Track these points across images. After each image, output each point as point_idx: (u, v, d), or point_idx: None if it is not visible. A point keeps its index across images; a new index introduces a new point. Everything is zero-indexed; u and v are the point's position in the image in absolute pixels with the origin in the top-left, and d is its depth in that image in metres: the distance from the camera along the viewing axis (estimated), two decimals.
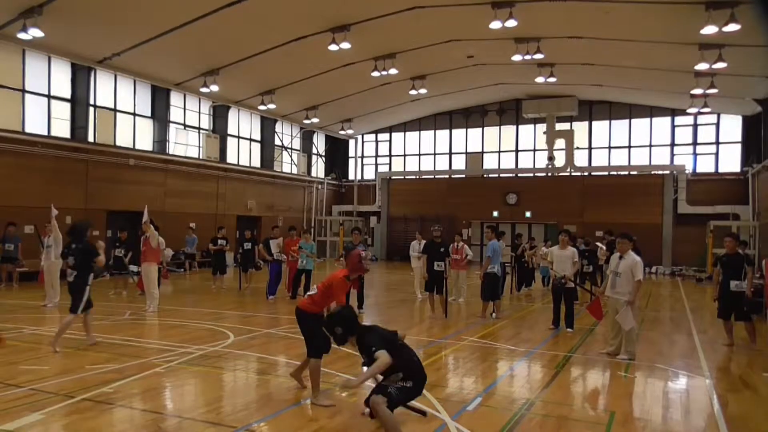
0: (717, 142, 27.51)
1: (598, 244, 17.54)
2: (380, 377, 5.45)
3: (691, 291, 19.58)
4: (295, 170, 31.22)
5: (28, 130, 18.67)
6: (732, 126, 27.08)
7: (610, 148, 29.38)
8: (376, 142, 34.88)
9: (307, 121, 28.49)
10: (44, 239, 13.43)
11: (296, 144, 31.90)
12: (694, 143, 27.92)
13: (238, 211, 26.90)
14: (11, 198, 17.41)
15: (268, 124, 29.32)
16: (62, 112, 19.89)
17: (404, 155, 34.01)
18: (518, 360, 8.84)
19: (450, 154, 32.77)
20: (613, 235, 17.15)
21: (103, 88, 21.10)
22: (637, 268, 8.78)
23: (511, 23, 16.17)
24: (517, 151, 31.23)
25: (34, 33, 15.44)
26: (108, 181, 20.59)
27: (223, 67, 21.19)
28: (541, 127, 29.67)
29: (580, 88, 26.71)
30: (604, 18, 17.35)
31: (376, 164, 34.72)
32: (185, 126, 24.78)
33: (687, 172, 27.28)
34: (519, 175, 30.69)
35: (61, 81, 19.82)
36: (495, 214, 29.84)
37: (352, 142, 35.04)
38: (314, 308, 6.56)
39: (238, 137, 27.90)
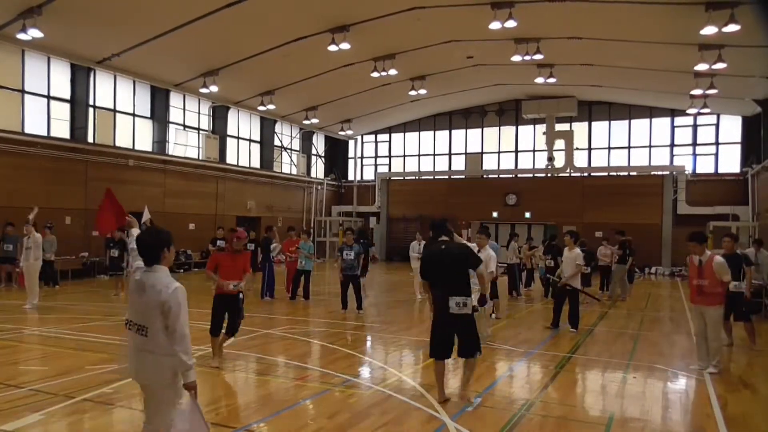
0: (716, 143, 27.51)
1: (604, 243, 17.56)
2: None
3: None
4: (294, 171, 31.22)
5: (27, 130, 18.66)
6: (731, 127, 27.08)
7: (609, 148, 29.38)
8: (376, 142, 34.88)
9: (306, 122, 28.50)
10: (23, 240, 13.40)
11: (296, 144, 31.91)
12: (694, 144, 27.92)
13: (238, 211, 26.89)
14: (10, 198, 17.40)
15: (267, 125, 29.32)
16: (62, 112, 19.89)
17: (404, 156, 34.00)
18: (518, 360, 8.84)
19: (449, 154, 32.77)
20: (625, 235, 17.21)
21: (103, 89, 21.09)
22: (490, 263, 9.69)
23: (511, 24, 16.16)
24: (516, 151, 31.24)
25: (34, 33, 15.43)
26: (107, 181, 20.46)
27: (222, 68, 21.20)
28: (541, 128, 29.64)
29: (580, 88, 26.72)
30: (603, 18, 17.37)
31: (376, 165, 34.70)
32: (185, 126, 24.78)
33: (686, 172, 27.28)
34: (519, 175, 30.68)
35: (61, 81, 19.82)
36: (495, 214, 29.85)
37: (351, 143, 35.04)
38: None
39: (238, 138, 27.90)
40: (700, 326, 8.28)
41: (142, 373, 4.02)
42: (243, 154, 28.24)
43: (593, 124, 29.58)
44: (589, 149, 29.70)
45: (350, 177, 35.24)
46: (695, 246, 8.34)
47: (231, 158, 27.15)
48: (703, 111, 24.29)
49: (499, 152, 31.54)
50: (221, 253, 8.55)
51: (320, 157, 34.07)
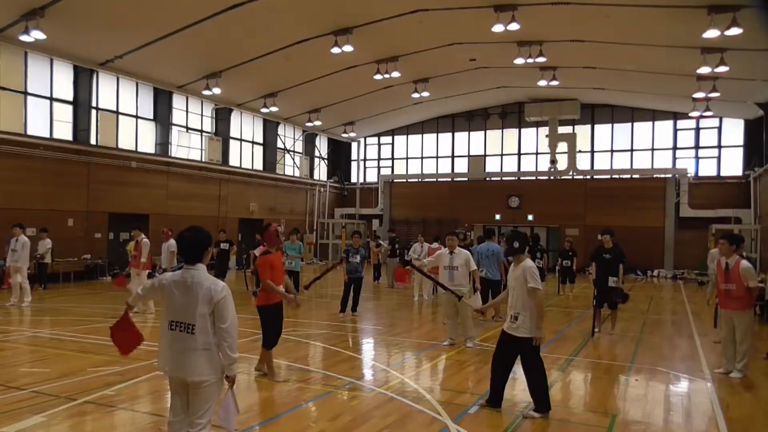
0: (719, 146, 27.49)
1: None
2: None
3: (692, 294, 19.53)
4: (297, 173, 31.24)
5: (30, 132, 18.68)
6: (734, 130, 27.06)
7: (612, 151, 29.38)
8: (379, 144, 34.92)
9: (309, 124, 28.53)
10: (11, 241, 13.51)
11: (299, 147, 31.93)
12: (696, 147, 27.90)
13: (241, 213, 26.91)
14: (13, 200, 17.42)
15: (270, 127, 29.36)
16: (64, 114, 19.93)
17: (407, 158, 34.04)
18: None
19: (452, 157, 32.78)
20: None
21: (106, 91, 21.12)
22: (471, 261, 9.90)
23: (514, 26, 16.20)
24: (519, 154, 31.25)
25: (36, 35, 15.49)
26: (110, 183, 20.61)
27: (225, 70, 21.24)
28: (544, 131, 29.69)
29: (583, 91, 26.73)
30: (606, 21, 17.37)
31: (379, 167, 34.74)
32: (187, 129, 24.81)
33: (689, 175, 27.27)
34: (521, 178, 30.64)
35: (63, 83, 19.86)
36: (497, 217, 29.82)
37: (354, 145, 35.08)
38: (266, 301, 7.33)
39: (241, 140, 27.94)
40: (728, 330, 8.19)
41: (194, 371, 3.96)
42: (246, 156, 28.27)
43: (596, 126, 29.59)
44: (592, 152, 29.69)
45: (353, 179, 35.28)
46: (725, 245, 8.16)
47: (234, 160, 27.19)
48: (705, 114, 24.32)
49: (501, 155, 31.54)
50: (273, 255, 7.49)
51: (323, 159, 34.10)
